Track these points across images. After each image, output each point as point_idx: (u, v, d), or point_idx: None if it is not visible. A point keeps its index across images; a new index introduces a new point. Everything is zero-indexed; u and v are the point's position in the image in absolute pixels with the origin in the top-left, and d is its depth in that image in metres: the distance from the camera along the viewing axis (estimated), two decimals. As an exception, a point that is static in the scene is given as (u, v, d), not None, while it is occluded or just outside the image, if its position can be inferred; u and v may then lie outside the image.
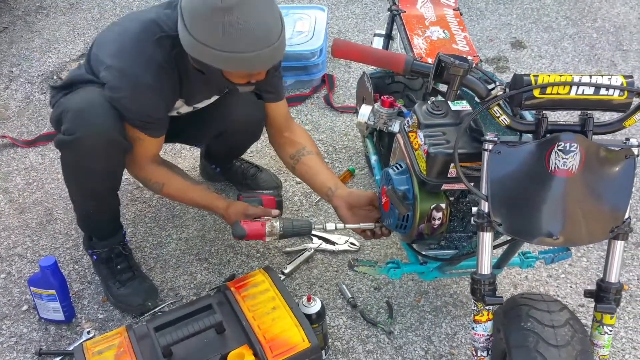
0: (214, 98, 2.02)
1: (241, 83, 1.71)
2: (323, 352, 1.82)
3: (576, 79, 1.29)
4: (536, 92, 1.30)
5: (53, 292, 1.91)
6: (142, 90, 1.74)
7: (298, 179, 2.53)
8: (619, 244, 1.37)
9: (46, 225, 2.36)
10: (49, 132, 2.80)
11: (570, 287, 2.08)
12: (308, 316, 1.73)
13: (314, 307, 1.76)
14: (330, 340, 1.91)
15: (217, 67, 1.62)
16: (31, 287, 1.93)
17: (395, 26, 2.29)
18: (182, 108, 1.97)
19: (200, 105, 2.01)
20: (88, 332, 1.95)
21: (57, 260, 1.96)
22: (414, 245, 1.86)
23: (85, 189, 1.93)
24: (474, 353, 1.43)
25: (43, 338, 1.96)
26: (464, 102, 1.67)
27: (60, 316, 1.97)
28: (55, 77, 3.21)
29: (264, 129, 2.17)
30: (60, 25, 3.71)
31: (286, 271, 2.12)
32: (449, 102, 1.64)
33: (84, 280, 2.15)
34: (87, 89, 1.81)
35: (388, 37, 2.39)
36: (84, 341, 1.81)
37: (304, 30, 3.10)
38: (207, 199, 1.98)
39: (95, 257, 2.07)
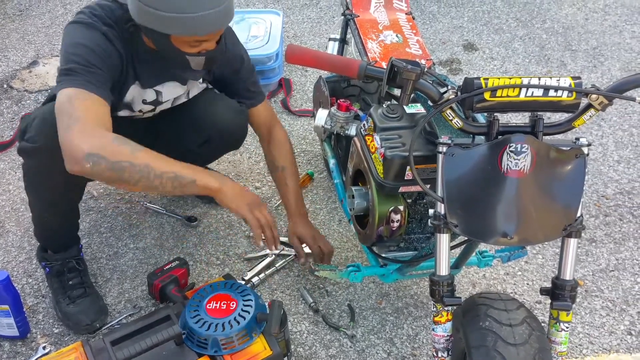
0: (179, 89, 1.95)
1: (191, 53, 1.67)
2: (286, 358, 1.81)
3: (525, 81, 1.31)
4: (487, 95, 1.32)
5: (6, 307, 1.85)
6: (83, 32, 1.65)
7: (257, 184, 2.53)
8: (572, 242, 1.39)
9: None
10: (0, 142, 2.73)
11: (527, 284, 2.12)
12: (269, 323, 1.71)
13: (275, 313, 1.75)
14: (292, 346, 1.91)
15: (163, 32, 1.59)
16: (-17, 303, 1.87)
17: (349, 30, 2.30)
18: (143, 97, 1.88)
19: (165, 96, 1.93)
20: (44, 348, 1.90)
21: (10, 275, 1.91)
22: (374, 248, 1.86)
23: (45, 199, 1.88)
24: (435, 354, 1.44)
25: (-4, 356, 1.91)
26: (419, 105, 1.69)
27: (14, 332, 1.91)
28: (5, 86, 3.12)
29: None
30: (9, 33, 3.61)
31: (247, 278, 2.10)
32: (404, 106, 1.66)
33: (38, 294, 2.09)
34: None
35: (343, 42, 2.41)
36: (39, 357, 1.76)
37: (260, 34, 3.09)
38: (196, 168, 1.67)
39: (47, 269, 2.02)
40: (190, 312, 1.66)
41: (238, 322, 1.62)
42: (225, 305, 1.67)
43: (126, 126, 1.92)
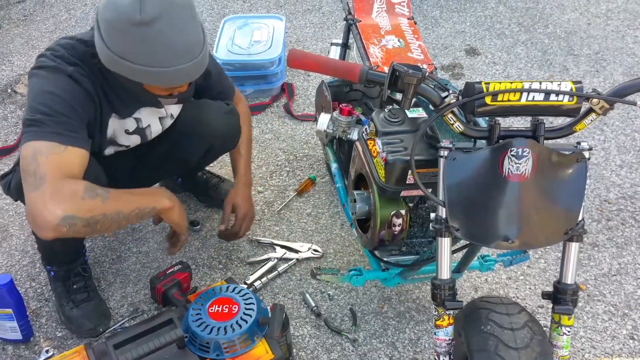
0: (156, 112, 1.90)
1: (163, 95, 1.68)
2: (287, 362, 1.82)
3: (526, 85, 1.32)
4: (488, 100, 1.32)
5: (10, 311, 1.86)
6: (47, 78, 1.58)
7: (260, 188, 2.53)
8: (574, 246, 1.40)
9: (1, 242, 2.30)
10: (3, 147, 2.74)
11: (529, 288, 2.12)
12: (271, 327, 1.72)
13: (277, 317, 1.75)
14: (294, 350, 1.91)
15: (138, 81, 1.57)
16: (-14, 307, 1.88)
17: (351, 35, 2.31)
18: (125, 128, 1.83)
19: (144, 122, 1.88)
20: (47, 351, 1.91)
21: (14, 278, 1.92)
22: (376, 252, 1.87)
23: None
24: (437, 358, 1.44)
25: (1, 358, 1.91)
26: (420, 109, 1.69)
27: (17, 335, 1.92)
28: (9, 90, 3.14)
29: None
30: (13, 38, 3.63)
31: (249, 281, 2.11)
32: (406, 110, 1.66)
33: (42, 297, 2.10)
34: None
35: (345, 46, 2.41)
36: (42, 361, 1.77)
37: (262, 39, 3.10)
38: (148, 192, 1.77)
39: (52, 273, 2.03)
40: (193, 315, 1.67)
41: (240, 326, 1.63)
42: (227, 309, 1.68)
43: (124, 159, 1.95)
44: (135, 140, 1.90)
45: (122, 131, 1.84)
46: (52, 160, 1.48)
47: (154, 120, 1.91)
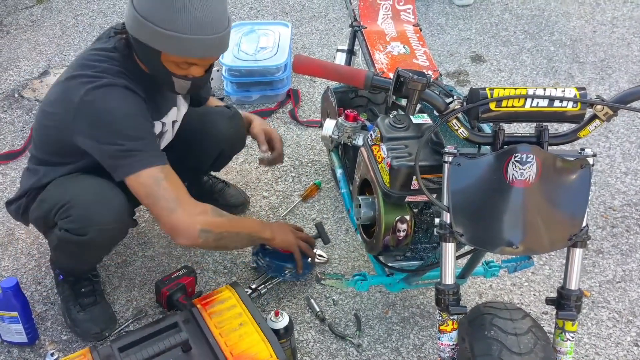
0: (173, 113, 1.93)
1: (178, 75, 1.66)
2: (292, 367, 1.82)
3: (530, 92, 1.33)
4: (492, 105, 1.33)
5: (15, 314, 1.87)
6: (108, 98, 1.60)
7: (265, 193, 2.54)
8: (578, 252, 1.40)
9: (7, 246, 2.32)
10: (10, 151, 2.76)
11: (534, 294, 2.12)
12: (276, 331, 1.73)
13: (282, 321, 1.76)
14: (299, 355, 1.91)
15: (156, 48, 1.57)
16: (-8, 310, 1.89)
17: (357, 42, 2.32)
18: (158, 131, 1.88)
19: (166, 126, 1.91)
20: (52, 354, 1.90)
21: (19, 281, 1.93)
22: (380, 257, 1.87)
23: (75, 267, 1.98)
24: (440, 363, 1.45)
25: (5, 362, 1.92)
26: (425, 115, 1.70)
27: (23, 338, 1.93)
28: (16, 95, 3.16)
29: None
30: (21, 43, 3.66)
31: (253, 286, 2.11)
32: (410, 116, 1.67)
33: (47, 301, 2.11)
34: (78, 178, 1.74)
35: (350, 53, 2.43)
36: (47, 363, 1.77)
37: (269, 45, 3.12)
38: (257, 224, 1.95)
39: (61, 276, 2.04)
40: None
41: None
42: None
43: None
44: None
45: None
46: (171, 182, 1.67)
47: (169, 126, 1.93)
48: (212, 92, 2.24)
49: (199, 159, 2.15)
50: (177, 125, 2.00)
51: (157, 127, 1.85)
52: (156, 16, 1.52)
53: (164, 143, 1.95)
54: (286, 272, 2.06)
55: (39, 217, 1.79)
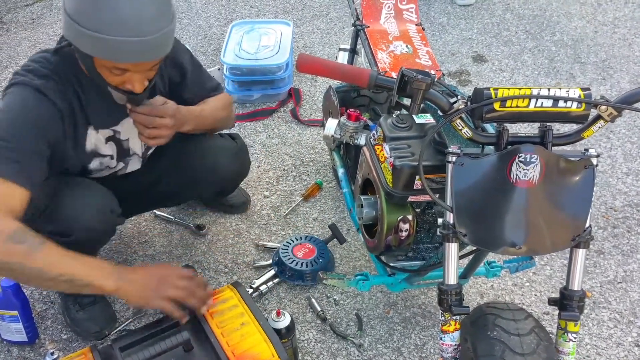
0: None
1: (113, 86, 1.55)
2: (293, 366, 1.82)
3: (535, 92, 1.32)
4: (496, 105, 1.33)
5: (15, 312, 1.87)
6: (12, 97, 1.54)
7: (266, 193, 2.54)
8: (581, 252, 1.40)
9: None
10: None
11: (535, 295, 2.11)
12: (277, 331, 1.72)
13: (283, 321, 1.76)
14: (300, 354, 1.91)
15: (83, 51, 1.47)
16: (-8, 309, 1.89)
17: (359, 41, 2.31)
18: (105, 137, 1.77)
19: (123, 134, 1.80)
20: (52, 354, 1.90)
21: (20, 280, 1.92)
22: (382, 257, 1.87)
23: None
24: (442, 363, 1.44)
25: (5, 360, 1.92)
26: (428, 115, 1.70)
27: (23, 337, 1.93)
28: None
29: None
30: (21, 41, 3.65)
31: (255, 285, 2.11)
32: (414, 116, 1.67)
33: (47, 300, 2.10)
34: (60, 180, 1.70)
35: (353, 52, 2.42)
36: (47, 363, 1.77)
37: (270, 44, 3.11)
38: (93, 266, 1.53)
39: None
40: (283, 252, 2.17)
41: (317, 262, 2.14)
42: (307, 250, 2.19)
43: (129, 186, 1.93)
44: (112, 149, 1.82)
45: (102, 141, 1.78)
46: None
47: (134, 134, 1.80)
48: (218, 87, 1.99)
49: (200, 192, 2.16)
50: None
51: (102, 135, 1.76)
52: (81, 16, 1.41)
53: (130, 148, 1.87)
54: (307, 278, 2.13)
55: (24, 222, 1.76)
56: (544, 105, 1.32)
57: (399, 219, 1.64)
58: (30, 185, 1.50)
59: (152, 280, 1.56)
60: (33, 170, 1.53)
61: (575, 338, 1.41)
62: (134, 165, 1.94)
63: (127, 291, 1.52)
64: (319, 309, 2.04)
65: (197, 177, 2.01)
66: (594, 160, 1.37)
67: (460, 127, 1.38)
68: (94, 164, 1.81)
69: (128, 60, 1.48)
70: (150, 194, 2.04)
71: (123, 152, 1.87)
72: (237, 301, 1.78)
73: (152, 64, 1.54)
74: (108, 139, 1.79)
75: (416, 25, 2.26)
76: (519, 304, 2.08)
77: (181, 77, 1.88)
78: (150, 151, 1.96)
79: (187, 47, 1.95)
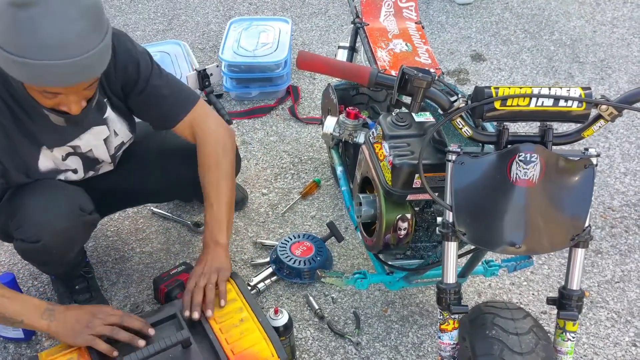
0: (101, 133, 1.73)
1: (48, 108, 1.47)
2: (290, 364, 1.82)
3: (536, 91, 1.32)
4: (497, 104, 1.32)
5: (12, 309, 1.86)
6: None
7: (264, 190, 2.53)
8: (580, 252, 1.40)
9: (3, 241, 2.30)
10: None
11: (533, 294, 2.12)
12: (275, 329, 1.71)
13: (281, 319, 1.76)
14: (297, 352, 1.91)
15: (12, 75, 1.37)
16: (-11, 305, 1.88)
17: (359, 39, 2.31)
18: (62, 154, 1.70)
19: (84, 147, 1.72)
20: (49, 350, 1.91)
21: (16, 277, 1.92)
22: (381, 256, 1.87)
23: (52, 268, 1.94)
24: (441, 362, 1.44)
25: (2, 357, 1.91)
26: (428, 113, 1.69)
27: (19, 334, 1.92)
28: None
29: None
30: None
31: (252, 283, 2.10)
32: (413, 114, 1.67)
33: (44, 296, 2.10)
34: (28, 187, 1.65)
35: (352, 50, 2.42)
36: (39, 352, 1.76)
37: (268, 42, 3.11)
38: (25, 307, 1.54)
39: (53, 277, 2.02)
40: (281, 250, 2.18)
41: (315, 260, 2.13)
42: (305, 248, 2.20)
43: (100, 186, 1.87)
44: (76, 162, 1.75)
45: (59, 158, 1.71)
46: None
47: (96, 144, 1.74)
48: (193, 102, 1.78)
49: (177, 192, 2.14)
50: (116, 139, 1.80)
51: (58, 153, 1.69)
52: (5, 40, 1.30)
53: (100, 156, 1.80)
54: (305, 276, 2.13)
55: (0, 232, 1.75)
56: (544, 104, 1.32)
57: (397, 217, 1.64)
58: None
59: (82, 319, 1.55)
60: None
61: (573, 337, 1.41)
62: (106, 168, 1.87)
63: (58, 330, 1.53)
64: (316, 307, 2.04)
65: (171, 176, 1.93)
66: (594, 160, 1.37)
67: (461, 126, 1.38)
68: (60, 177, 1.75)
69: (55, 84, 1.38)
70: (127, 192, 1.99)
71: (91, 163, 1.79)
72: (235, 294, 1.76)
73: (85, 85, 1.44)
74: (67, 155, 1.71)
75: (416, 23, 2.26)
76: (517, 303, 2.08)
77: (132, 87, 1.71)
78: (119, 153, 1.87)
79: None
